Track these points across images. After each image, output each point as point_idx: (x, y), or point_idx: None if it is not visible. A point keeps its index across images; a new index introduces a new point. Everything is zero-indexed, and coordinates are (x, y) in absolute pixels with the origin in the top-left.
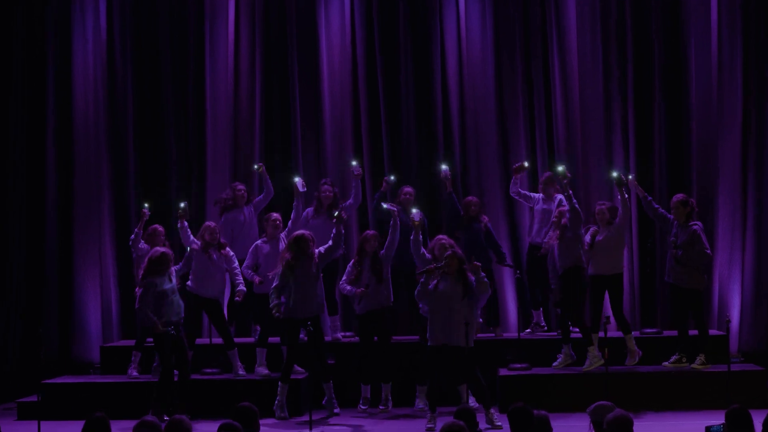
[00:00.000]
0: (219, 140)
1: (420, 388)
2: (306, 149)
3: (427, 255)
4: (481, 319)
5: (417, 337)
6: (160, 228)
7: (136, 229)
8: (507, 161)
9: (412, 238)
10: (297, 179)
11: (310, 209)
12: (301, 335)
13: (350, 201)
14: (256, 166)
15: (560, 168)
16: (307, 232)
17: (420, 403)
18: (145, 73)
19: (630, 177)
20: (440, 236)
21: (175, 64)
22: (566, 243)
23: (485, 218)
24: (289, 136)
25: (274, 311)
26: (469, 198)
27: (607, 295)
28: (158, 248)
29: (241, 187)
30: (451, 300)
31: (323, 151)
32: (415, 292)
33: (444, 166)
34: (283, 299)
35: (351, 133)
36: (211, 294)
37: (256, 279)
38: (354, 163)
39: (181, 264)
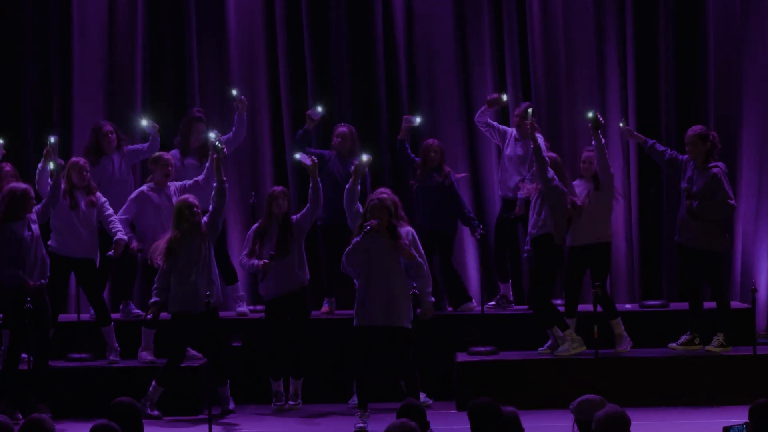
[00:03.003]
0: (89, 59)
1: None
2: (204, 74)
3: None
4: (432, 298)
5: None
6: (8, 167)
7: None
8: (469, 95)
9: (347, 186)
10: (212, 134)
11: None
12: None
13: (230, 135)
14: (146, 123)
15: (590, 114)
16: (191, 196)
17: (357, 399)
18: None
19: (621, 125)
20: (382, 189)
21: None
22: (541, 203)
23: (448, 170)
24: (183, 53)
25: (148, 311)
26: (429, 141)
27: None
28: (18, 184)
29: (109, 128)
30: (386, 266)
31: (226, 77)
32: (345, 257)
33: (418, 119)
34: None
35: (263, 51)
36: (80, 254)
37: (134, 244)
38: (234, 92)
39: (40, 205)
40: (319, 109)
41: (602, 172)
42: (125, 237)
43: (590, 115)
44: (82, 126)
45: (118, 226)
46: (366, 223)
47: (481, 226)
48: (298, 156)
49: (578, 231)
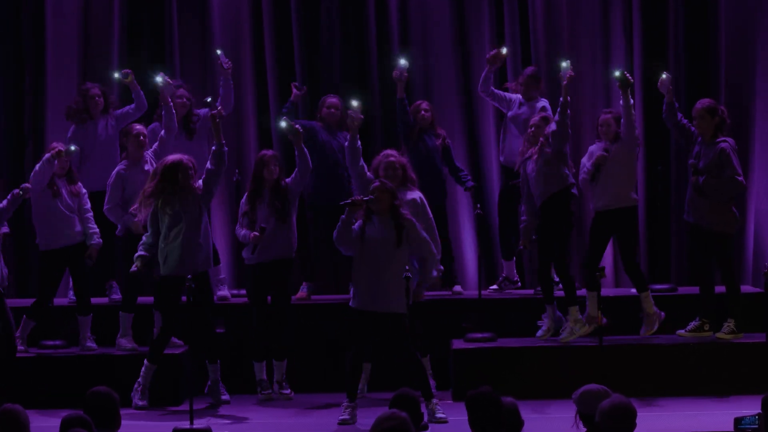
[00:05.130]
0: (63, 25)
1: (364, 366)
2: (185, 41)
3: (368, 174)
4: (441, 267)
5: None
6: None
7: None
8: (464, 53)
9: (347, 144)
10: (159, 78)
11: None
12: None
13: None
14: (117, 75)
15: (564, 63)
16: (186, 156)
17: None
18: None
19: (663, 76)
20: (388, 151)
21: None
22: (545, 162)
23: (443, 132)
24: (162, 24)
25: (133, 265)
26: (419, 102)
27: (613, 241)
28: None
29: (96, 91)
30: (383, 251)
31: (209, 42)
32: (334, 233)
33: (403, 61)
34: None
35: (248, 12)
36: (71, 240)
37: (138, 218)
38: (219, 51)
39: (5, 202)
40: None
41: (629, 132)
42: (100, 240)
43: (617, 74)
44: (55, 102)
45: (94, 226)
46: (354, 197)
47: (479, 206)
48: (283, 124)
49: (599, 194)
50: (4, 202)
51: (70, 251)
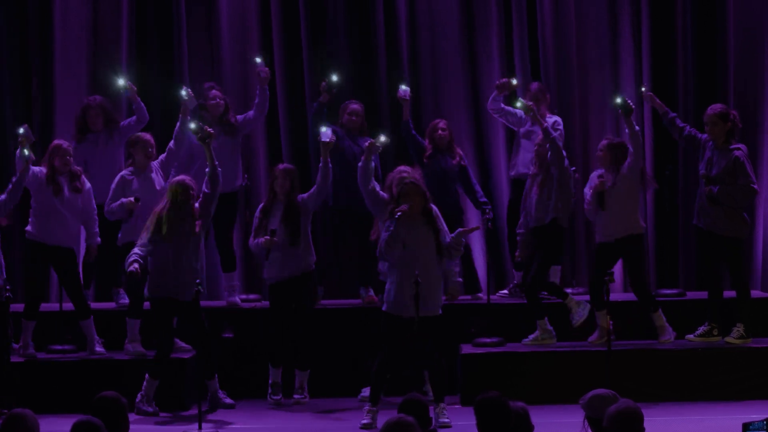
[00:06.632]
0: (70, 28)
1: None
2: (194, 46)
3: (381, 193)
4: (460, 278)
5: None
6: None
7: None
8: (474, 69)
9: (360, 165)
10: (183, 91)
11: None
12: None
13: (251, 112)
14: (122, 82)
15: (618, 100)
16: (188, 177)
17: (367, 392)
18: None
19: (642, 89)
20: (402, 168)
21: None
22: (548, 189)
23: (460, 152)
24: (171, 25)
25: (128, 265)
26: (436, 122)
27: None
28: None
29: (95, 108)
30: (424, 254)
31: (217, 49)
32: (381, 245)
33: (403, 87)
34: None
35: (256, 20)
36: (61, 241)
37: (129, 200)
38: (258, 60)
39: (4, 196)
40: (334, 78)
41: (635, 160)
42: (99, 240)
43: (618, 101)
44: (65, 105)
45: (96, 227)
46: (397, 209)
47: (490, 212)
48: (324, 128)
49: (606, 224)
50: (4, 195)
51: (58, 253)
